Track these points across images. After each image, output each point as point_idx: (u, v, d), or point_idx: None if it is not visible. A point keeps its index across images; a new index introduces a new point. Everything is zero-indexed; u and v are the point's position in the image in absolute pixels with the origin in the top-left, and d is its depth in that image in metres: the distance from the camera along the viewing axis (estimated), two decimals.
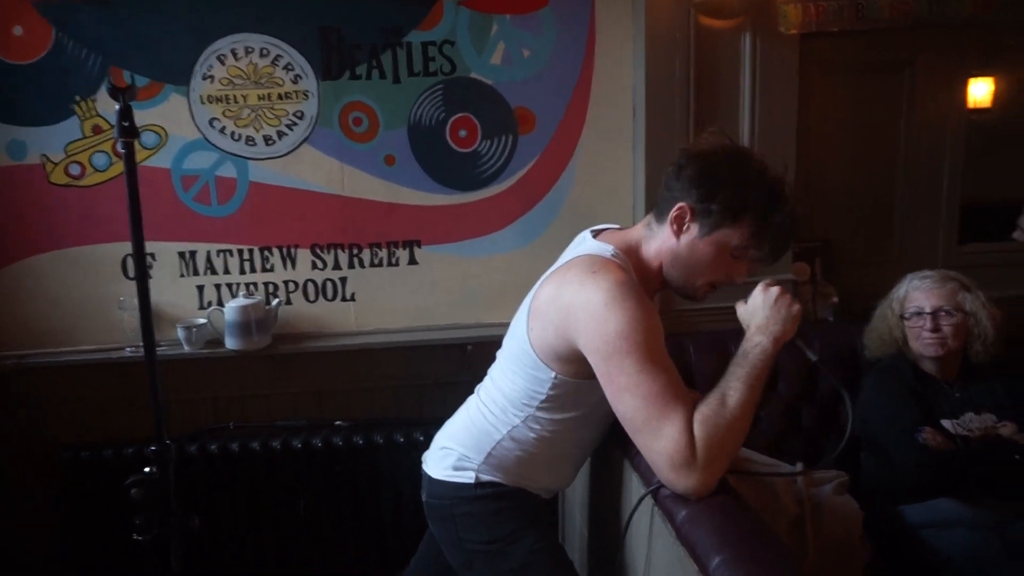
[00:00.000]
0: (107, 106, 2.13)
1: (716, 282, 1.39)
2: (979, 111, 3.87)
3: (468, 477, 1.44)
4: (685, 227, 1.34)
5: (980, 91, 3.93)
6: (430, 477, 1.52)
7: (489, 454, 1.43)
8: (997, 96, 3.94)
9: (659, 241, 1.38)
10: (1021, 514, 1.82)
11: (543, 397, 1.38)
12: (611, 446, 1.56)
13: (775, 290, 1.32)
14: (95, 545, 2.18)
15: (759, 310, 1.31)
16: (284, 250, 2.27)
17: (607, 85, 2.25)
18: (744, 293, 1.37)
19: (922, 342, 1.95)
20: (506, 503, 1.44)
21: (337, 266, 2.29)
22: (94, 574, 2.20)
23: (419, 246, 2.30)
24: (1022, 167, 3.47)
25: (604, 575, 1.62)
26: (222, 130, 2.18)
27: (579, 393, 1.37)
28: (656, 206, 1.40)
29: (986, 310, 2.00)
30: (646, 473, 1.33)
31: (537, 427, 1.41)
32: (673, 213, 1.33)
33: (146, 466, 1.33)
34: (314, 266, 2.29)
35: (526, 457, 1.43)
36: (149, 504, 1.19)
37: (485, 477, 1.44)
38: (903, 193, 2.48)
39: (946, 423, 1.93)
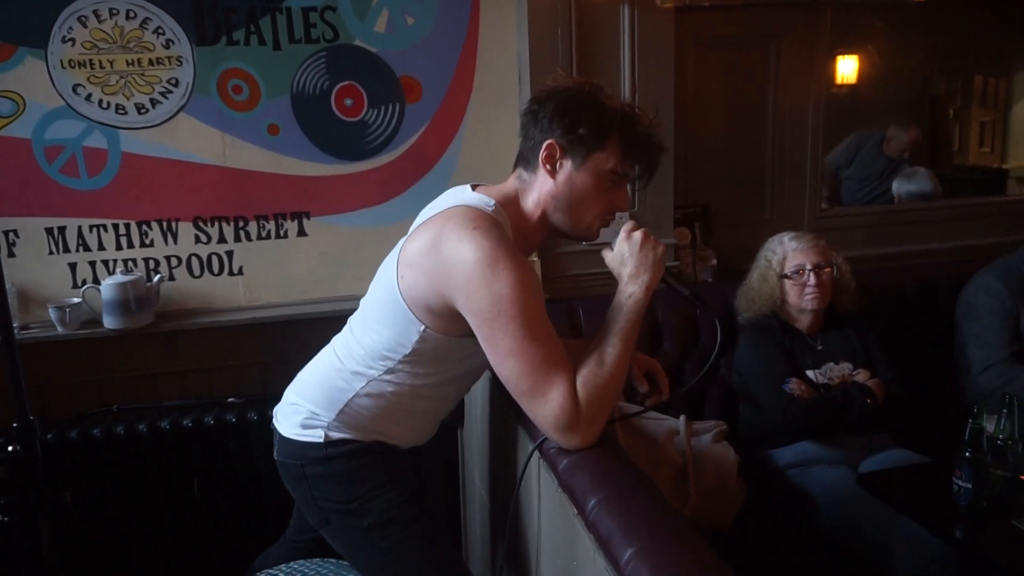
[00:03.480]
0: None
1: (603, 215, 1.36)
2: (845, 86, 4.15)
3: (317, 436, 1.38)
4: (558, 164, 1.32)
5: (847, 67, 4.20)
6: (280, 435, 1.44)
7: (341, 411, 1.38)
8: (862, 72, 4.22)
9: (536, 189, 1.35)
10: (871, 450, 2.02)
11: (408, 350, 1.33)
12: (504, 406, 1.60)
13: (638, 235, 1.32)
14: None
15: (627, 259, 1.31)
16: (164, 224, 2.17)
17: (493, 52, 2.24)
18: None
19: (804, 297, 2.09)
20: (362, 460, 1.39)
21: (223, 239, 2.21)
22: None
23: (308, 217, 2.25)
24: None
25: (501, 529, 1.68)
26: (88, 97, 2.04)
27: (444, 350, 1.34)
28: (520, 157, 1.38)
29: (846, 264, 2.20)
30: (533, 430, 1.37)
31: (396, 381, 1.37)
32: (543, 154, 1.32)
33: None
34: (198, 240, 2.20)
35: (381, 413, 1.39)
36: (14, 484, 1.13)
37: (335, 435, 1.38)
38: (773, 160, 2.63)
39: (810, 373, 2.10)
